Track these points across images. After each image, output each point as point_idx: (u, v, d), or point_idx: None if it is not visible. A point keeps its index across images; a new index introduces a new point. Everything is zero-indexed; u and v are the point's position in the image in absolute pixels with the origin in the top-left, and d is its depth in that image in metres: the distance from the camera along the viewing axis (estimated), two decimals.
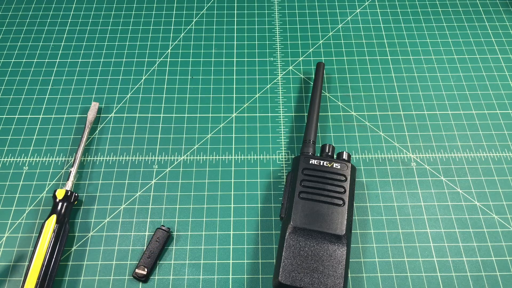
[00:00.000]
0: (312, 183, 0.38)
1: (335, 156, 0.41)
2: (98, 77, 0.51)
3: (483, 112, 0.48)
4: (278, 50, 0.54)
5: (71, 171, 0.43)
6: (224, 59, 0.53)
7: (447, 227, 0.41)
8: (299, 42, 0.54)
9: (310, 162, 0.39)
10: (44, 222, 0.38)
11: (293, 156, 0.45)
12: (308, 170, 0.39)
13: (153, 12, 0.57)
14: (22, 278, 0.37)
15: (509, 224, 0.41)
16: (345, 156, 0.41)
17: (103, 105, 0.49)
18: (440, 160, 0.45)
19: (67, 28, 0.56)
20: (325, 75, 0.51)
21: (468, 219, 0.41)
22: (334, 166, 0.39)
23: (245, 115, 0.48)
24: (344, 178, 0.39)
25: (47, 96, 0.50)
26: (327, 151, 0.41)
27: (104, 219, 0.42)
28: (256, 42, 0.54)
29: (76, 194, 0.41)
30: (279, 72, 0.52)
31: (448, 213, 0.42)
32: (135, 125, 0.47)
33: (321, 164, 0.39)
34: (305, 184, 0.38)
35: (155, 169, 0.44)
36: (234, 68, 0.52)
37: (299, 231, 0.36)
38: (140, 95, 0.50)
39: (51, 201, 0.41)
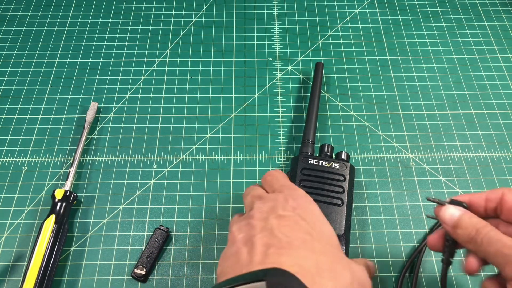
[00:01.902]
0: (311, 183, 0.38)
1: (334, 156, 0.41)
2: (97, 77, 0.51)
3: (482, 112, 0.48)
4: (277, 50, 0.54)
5: (70, 171, 0.43)
6: (223, 59, 0.53)
7: None
8: (298, 42, 0.54)
9: (309, 162, 0.39)
10: (43, 222, 0.39)
11: (292, 156, 0.45)
12: (307, 170, 0.39)
13: (152, 12, 0.57)
14: (21, 278, 0.37)
15: None
16: (343, 156, 0.41)
17: (102, 105, 0.49)
18: (439, 160, 0.45)
19: (66, 28, 0.56)
20: (324, 75, 0.51)
21: None
22: (333, 166, 0.39)
23: (244, 115, 0.48)
24: (342, 178, 0.38)
25: (46, 96, 0.50)
26: (326, 151, 0.41)
27: (103, 219, 0.42)
28: (255, 42, 0.54)
29: (75, 194, 0.41)
30: (278, 72, 0.52)
31: None
32: (134, 125, 0.47)
33: (320, 164, 0.39)
34: (304, 184, 0.38)
35: (154, 169, 0.44)
36: (233, 68, 0.52)
37: None
38: (139, 95, 0.50)
39: (50, 201, 0.41)
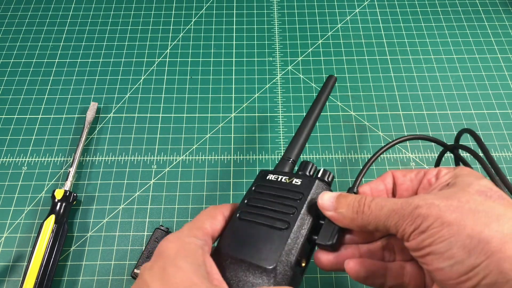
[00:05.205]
0: (259, 201, 0.29)
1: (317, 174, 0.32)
2: (97, 77, 0.51)
3: (482, 112, 0.48)
4: (277, 50, 0.53)
5: (70, 171, 0.43)
6: (223, 59, 0.53)
7: None
8: (298, 42, 0.54)
9: (267, 177, 0.31)
10: (43, 222, 0.38)
11: None
12: (261, 187, 0.30)
13: (152, 12, 0.57)
14: (21, 278, 0.37)
15: None
16: (311, 170, 0.31)
17: (102, 105, 0.49)
18: None
19: (66, 28, 0.56)
20: (323, 75, 0.51)
21: None
22: (293, 182, 0.30)
23: (244, 115, 0.48)
24: (299, 197, 0.28)
25: (46, 96, 0.50)
26: (307, 170, 0.31)
27: (103, 219, 0.41)
28: (255, 42, 0.54)
29: (75, 194, 0.41)
30: (278, 72, 0.52)
31: None
32: (134, 125, 0.47)
33: (279, 180, 0.30)
34: (251, 203, 0.30)
35: (154, 169, 0.44)
36: (233, 68, 0.52)
37: (225, 257, 0.27)
38: (139, 95, 0.50)
39: (49, 201, 0.41)
